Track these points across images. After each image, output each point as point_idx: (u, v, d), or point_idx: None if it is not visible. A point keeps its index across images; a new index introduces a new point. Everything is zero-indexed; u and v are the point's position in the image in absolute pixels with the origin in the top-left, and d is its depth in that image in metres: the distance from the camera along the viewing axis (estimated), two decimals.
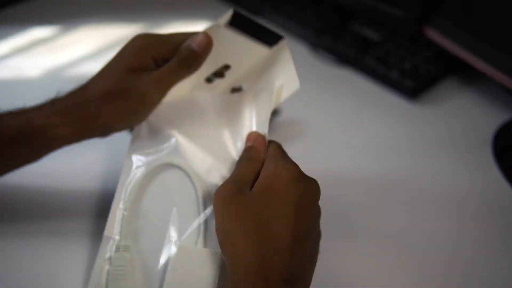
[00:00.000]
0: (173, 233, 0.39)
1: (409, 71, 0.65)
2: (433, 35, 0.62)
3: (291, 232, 0.33)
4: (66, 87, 0.64)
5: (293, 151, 0.57)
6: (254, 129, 0.42)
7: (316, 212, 0.36)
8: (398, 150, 0.57)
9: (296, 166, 0.37)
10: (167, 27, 0.79)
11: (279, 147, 0.40)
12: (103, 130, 0.42)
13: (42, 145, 0.42)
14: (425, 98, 0.65)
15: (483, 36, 0.55)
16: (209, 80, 0.46)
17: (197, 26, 0.79)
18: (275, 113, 0.59)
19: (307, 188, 0.36)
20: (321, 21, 0.75)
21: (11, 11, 0.80)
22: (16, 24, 0.77)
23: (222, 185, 0.37)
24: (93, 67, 0.64)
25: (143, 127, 0.44)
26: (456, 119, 0.62)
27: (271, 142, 0.41)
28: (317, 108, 0.63)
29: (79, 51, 0.72)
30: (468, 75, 0.68)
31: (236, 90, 0.47)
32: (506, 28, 0.53)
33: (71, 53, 0.72)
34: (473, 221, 0.49)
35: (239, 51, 0.44)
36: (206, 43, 0.42)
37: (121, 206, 0.41)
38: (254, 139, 0.41)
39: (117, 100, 0.41)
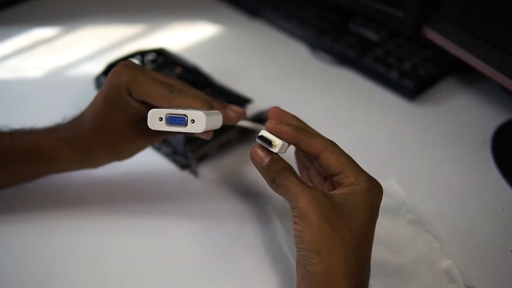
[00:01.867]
0: None
1: (409, 71, 0.65)
2: (432, 35, 0.62)
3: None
4: (67, 88, 0.65)
5: (292, 151, 0.57)
6: None
7: None
8: (398, 150, 0.57)
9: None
10: (168, 28, 0.79)
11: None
12: (94, 162, 0.45)
13: (45, 165, 0.45)
14: (425, 98, 0.65)
15: (482, 36, 0.56)
16: None
17: (197, 27, 0.80)
18: None
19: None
20: (321, 22, 0.75)
21: (12, 12, 0.80)
22: (17, 25, 0.77)
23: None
24: (94, 68, 0.64)
25: None
26: (455, 119, 0.62)
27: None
28: (316, 108, 0.63)
29: (80, 51, 0.72)
30: (467, 75, 0.68)
31: None
32: (504, 28, 0.54)
33: (72, 54, 0.72)
34: (472, 220, 0.49)
35: None
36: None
37: None
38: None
39: (99, 135, 0.43)
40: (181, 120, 0.37)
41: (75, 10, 0.82)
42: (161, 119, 0.37)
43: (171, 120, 0.37)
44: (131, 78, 0.40)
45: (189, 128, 0.37)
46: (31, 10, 0.81)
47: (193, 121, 0.37)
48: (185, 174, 0.53)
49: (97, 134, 0.43)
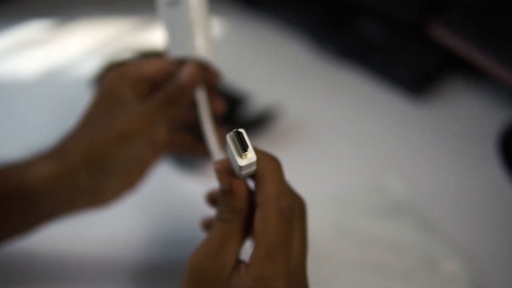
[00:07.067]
0: None
1: (412, 69, 0.64)
2: (436, 32, 0.62)
3: None
4: (62, 86, 0.64)
5: (293, 151, 0.57)
6: None
7: None
8: (401, 149, 0.57)
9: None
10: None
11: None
12: (94, 203, 0.38)
13: (30, 212, 0.36)
14: (429, 96, 0.64)
15: (488, 32, 0.55)
16: None
17: None
18: (274, 112, 0.58)
19: None
20: (321, 19, 0.74)
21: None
22: (6, 22, 0.76)
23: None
24: (90, 65, 0.63)
25: None
26: (460, 118, 0.61)
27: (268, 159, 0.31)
28: (318, 107, 0.63)
29: (74, 47, 0.71)
30: (472, 73, 0.67)
31: None
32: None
33: (66, 51, 0.70)
34: (478, 221, 0.49)
35: None
36: (193, 75, 0.38)
37: None
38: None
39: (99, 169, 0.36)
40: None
41: (67, 3, 0.80)
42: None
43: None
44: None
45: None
46: (22, 6, 0.79)
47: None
48: (185, 174, 0.52)
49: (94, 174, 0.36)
